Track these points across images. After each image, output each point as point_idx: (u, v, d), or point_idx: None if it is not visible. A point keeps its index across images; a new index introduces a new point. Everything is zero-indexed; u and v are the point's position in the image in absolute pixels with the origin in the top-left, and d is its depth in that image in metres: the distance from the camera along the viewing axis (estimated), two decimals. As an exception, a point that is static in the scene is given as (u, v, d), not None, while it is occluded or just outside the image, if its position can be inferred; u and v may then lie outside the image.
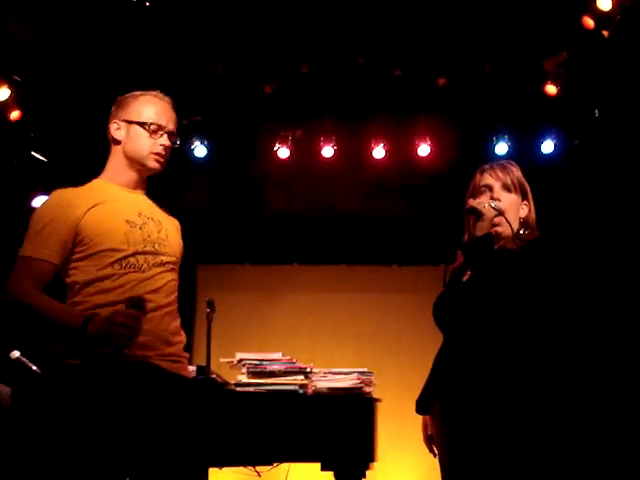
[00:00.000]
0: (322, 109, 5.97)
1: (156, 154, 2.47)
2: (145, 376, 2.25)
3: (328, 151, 6.09)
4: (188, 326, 6.32)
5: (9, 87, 5.40)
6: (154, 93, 2.54)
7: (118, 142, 2.48)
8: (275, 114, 5.99)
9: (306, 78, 5.60)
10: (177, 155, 5.90)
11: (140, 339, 2.27)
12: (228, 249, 6.51)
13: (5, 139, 5.49)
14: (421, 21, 5.29)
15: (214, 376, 3.70)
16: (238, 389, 3.68)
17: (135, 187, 2.50)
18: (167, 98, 2.56)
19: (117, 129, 2.49)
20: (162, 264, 2.43)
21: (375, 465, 3.75)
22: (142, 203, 2.49)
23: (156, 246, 2.43)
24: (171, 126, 2.51)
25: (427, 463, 6.29)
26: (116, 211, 2.38)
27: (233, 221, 6.48)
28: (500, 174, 2.71)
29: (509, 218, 2.58)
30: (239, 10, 5.21)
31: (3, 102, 5.42)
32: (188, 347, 6.55)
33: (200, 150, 6.09)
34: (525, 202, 2.73)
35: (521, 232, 2.63)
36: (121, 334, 2.16)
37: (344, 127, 6.12)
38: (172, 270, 2.49)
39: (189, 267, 6.53)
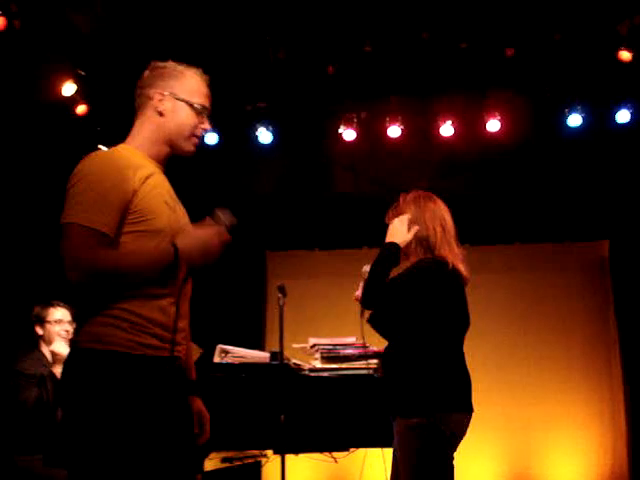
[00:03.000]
0: (387, 88, 5.85)
1: (197, 137, 2.38)
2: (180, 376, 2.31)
3: (395, 131, 5.99)
4: (259, 313, 6.39)
5: (75, 82, 5.47)
6: (196, 71, 2.40)
7: (161, 114, 2.36)
8: (339, 95, 5.90)
9: (369, 57, 5.49)
10: (242, 142, 5.97)
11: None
12: (297, 235, 6.48)
13: (72, 134, 5.54)
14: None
15: (288, 362, 3.67)
16: (312, 374, 3.66)
17: (161, 163, 2.41)
18: (206, 77, 2.42)
19: (161, 101, 2.34)
20: None
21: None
22: (168, 183, 2.37)
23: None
24: (210, 109, 2.43)
25: (507, 450, 6.20)
26: (159, 189, 2.26)
27: (301, 206, 6.44)
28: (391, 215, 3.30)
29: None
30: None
31: (70, 97, 5.50)
32: (260, 334, 6.57)
33: (265, 136, 6.06)
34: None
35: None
36: (212, 254, 2.18)
37: (410, 105, 5.99)
38: None
39: (259, 254, 6.53)
